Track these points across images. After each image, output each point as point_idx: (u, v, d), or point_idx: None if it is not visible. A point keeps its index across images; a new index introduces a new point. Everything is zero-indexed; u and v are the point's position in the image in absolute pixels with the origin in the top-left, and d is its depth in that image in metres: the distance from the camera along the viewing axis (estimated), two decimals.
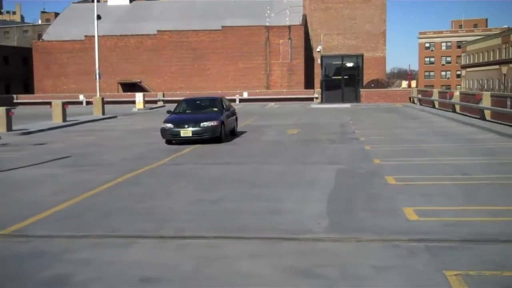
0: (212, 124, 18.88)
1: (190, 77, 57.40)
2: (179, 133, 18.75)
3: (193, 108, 21.03)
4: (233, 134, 21.67)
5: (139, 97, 45.22)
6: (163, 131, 19.06)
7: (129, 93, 53.43)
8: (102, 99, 36.66)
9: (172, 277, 6.04)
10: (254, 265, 6.39)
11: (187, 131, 18.64)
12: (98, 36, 39.01)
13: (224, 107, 20.81)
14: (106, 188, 11.36)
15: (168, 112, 20.78)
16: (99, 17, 38.33)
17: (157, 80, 57.85)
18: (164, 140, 19.37)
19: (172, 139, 19.03)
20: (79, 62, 57.68)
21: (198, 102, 21.91)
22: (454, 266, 6.15)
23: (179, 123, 18.95)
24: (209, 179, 12.26)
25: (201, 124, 18.79)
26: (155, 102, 51.78)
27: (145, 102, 45.72)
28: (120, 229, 8.07)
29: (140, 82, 58.38)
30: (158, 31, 58.06)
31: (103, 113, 35.75)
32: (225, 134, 19.69)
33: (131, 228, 8.10)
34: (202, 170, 13.51)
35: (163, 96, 53.45)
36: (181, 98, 52.13)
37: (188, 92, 53.92)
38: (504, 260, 6.35)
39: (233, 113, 21.96)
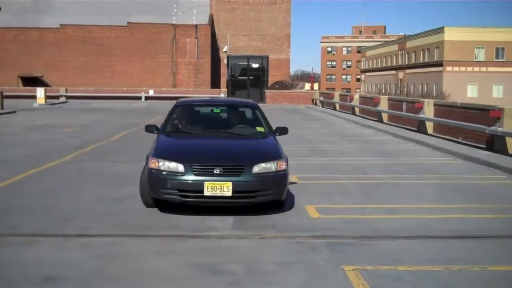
0: (276, 167, 8.72)
1: (95, 73, 56.04)
2: (201, 187, 8.26)
3: (208, 123, 10.61)
4: None
5: (40, 92, 43.64)
6: (154, 178, 8.56)
7: (29, 88, 51.41)
8: (1, 93, 35.08)
9: (77, 276, 5.97)
10: (159, 263, 6.43)
11: (221, 185, 8.26)
12: None
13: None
14: (4, 185, 10.94)
15: (150, 129, 10.21)
16: None
17: (59, 75, 56.02)
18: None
19: (180, 199, 8.44)
20: None
21: (220, 110, 11.21)
22: (353, 262, 6.47)
23: (200, 162, 8.54)
24: (113, 177, 12.10)
25: (255, 167, 8.53)
26: (57, 97, 50.20)
27: (47, 97, 44.19)
28: (20, 228, 7.83)
29: (41, 77, 56.35)
30: (60, 25, 56.29)
31: (2, 108, 34.19)
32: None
33: (32, 227, 7.88)
34: (107, 168, 13.30)
35: (66, 92, 51.94)
36: (86, 95, 51.76)
37: (92, 88, 52.62)
38: (399, 256, 6.74)
39: None
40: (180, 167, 8.47)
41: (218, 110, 11.00)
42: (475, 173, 13.25)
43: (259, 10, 60.63)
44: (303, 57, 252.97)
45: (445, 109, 20.95)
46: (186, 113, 10.83)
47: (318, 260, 6.56)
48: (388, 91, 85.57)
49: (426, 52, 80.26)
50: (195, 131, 10.20)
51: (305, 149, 17.30)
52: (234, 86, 52.00)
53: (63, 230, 7.73)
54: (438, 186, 11.43)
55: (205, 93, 51.42)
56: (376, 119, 28.53)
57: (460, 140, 18.86)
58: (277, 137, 10.10)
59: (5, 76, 51.39)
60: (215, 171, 8.40)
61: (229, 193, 8.32)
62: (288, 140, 19.68)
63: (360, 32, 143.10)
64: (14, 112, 33.65)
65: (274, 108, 42.89)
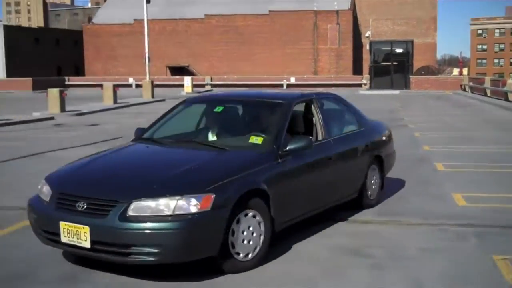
0: (175, 207, 5.11)
1: (237, 61, 57.57)
2: (57, 229, 5.36)
3: (214, 123, 7.55)
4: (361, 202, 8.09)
5: (187, 81, 45.75)
6: (29, 207, 5.89)
7: (177, 77, 54.03)
8: (152, 82, 37.22)
9: None
10: (304, 242, 6.56)
11: (78, 230, 5.22)
12: (147, 20, 39.47)
13: (324, 130, 7.26)
14: None
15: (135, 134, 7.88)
16: (148, 1, 38.79)
17: (204, 64, 58.26)
18: None
19: (50, 242, 5.61)
20: (128, 46, 58.49)
21: (222, 110, 7.48)
22: (503, 251, 6.19)
23: (66, 189, 5.64)
24: None
25: (133, 205, 5.14)
26: (203, 86, 52.32)
27: (193, 86, 46.24)
28: None
29: (188, 66, 58.94)
30: (205, 15, 58.39)
31: (153, 96, 36.34)
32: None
33: None
34: None
35: (211, 80, 53.92)
36: (229, 83, 53.26)
37: (235, 77, 54.12)
38: None
39: (373, 147, 8.30)
40: (49, 195, 5.76)
41: (220, 110, 7.53)
42: None
43: None
44: (451, 41, 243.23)
45: None
46: (183, 113, 7.92)
47: (465, 248, 6.36)
48: None
49: None
50: (166, 137, 7.38)
51: (452, 136, 16.67)
52: (377, 72, 51.04)
53: None
54: None
55: (347, 80, 51.13)
56: None
57: None
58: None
59: (155, 65, 54.15)
60: (77, 207, 5.39)
61: (87, 244, 5.24)
62: (434, 127, 19.16)
63: None
64: (164, 100, 35.57)
65: (419, 94, 41.71)
